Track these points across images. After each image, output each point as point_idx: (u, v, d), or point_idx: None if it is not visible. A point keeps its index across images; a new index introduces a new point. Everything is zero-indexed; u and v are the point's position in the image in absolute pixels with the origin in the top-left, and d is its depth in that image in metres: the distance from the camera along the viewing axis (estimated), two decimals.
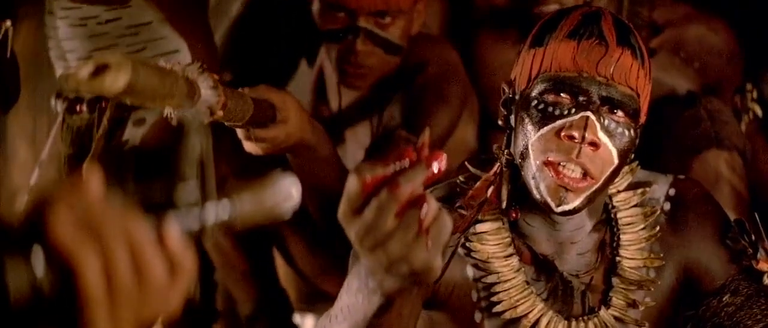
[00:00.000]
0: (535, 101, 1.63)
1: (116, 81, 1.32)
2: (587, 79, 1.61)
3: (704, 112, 2.55)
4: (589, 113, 1.60)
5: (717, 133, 2.53)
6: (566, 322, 1.72)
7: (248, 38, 2.82)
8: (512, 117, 1.69)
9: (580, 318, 1.73)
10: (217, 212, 0.91)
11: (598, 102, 1.61)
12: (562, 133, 1.60)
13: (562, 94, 1.62)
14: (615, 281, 1.74)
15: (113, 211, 0.82)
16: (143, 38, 2.19)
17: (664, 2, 2.66)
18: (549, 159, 1.60)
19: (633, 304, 1.73)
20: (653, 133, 1.79)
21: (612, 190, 1.76)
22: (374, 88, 2.51)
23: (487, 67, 2.67)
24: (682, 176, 1.83)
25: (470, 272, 1.72)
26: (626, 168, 1.75)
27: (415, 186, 1.09)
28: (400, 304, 1.30)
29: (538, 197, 1.62)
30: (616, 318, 1.73)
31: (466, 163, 1.77)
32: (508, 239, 1.72)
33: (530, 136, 1.62)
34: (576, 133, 1.59)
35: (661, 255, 1.75)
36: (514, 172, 1.69)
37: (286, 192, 0.95)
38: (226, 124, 1.82)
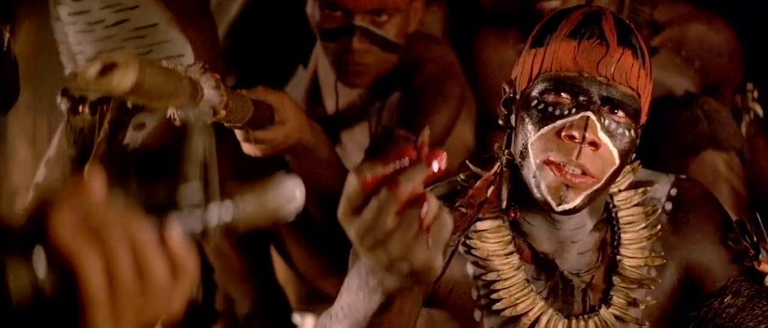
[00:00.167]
0: (536, 101, 1.63)
1: (124, 80, 1.32)
2: (588, 79, 1.61)
3: (701, 113, 2.55)
4: (589, 113, 1.60)
5: (714, 133, 2.53)
6: (566, 320, 1.72)
7: (246, 40, 2.82)
8: (513, 117, 1.69)
9: (581, 317, 1.73)
10: (220, 213, 0.90)
11: (599, 102, 1.61)
12: (563, 134, 1.59)
13: (562, 94, 1.61)
14: (616, 279, 1.74)
15: (115, 212, 0.82)
16: (149, 41, 2.20)
17: (665, 1, 2.65)
18: (550, 158, 1.60)
19: (634, 303, 1.73)
20: (651, 134, 1.79)
21: (613, 189, 1.75)
22: (372, 88, 2.51)
23: (487, 67, 2.67)
24: (683, 176, 1.83)
25: (470, 270, 1.72)
26: (628, 167, 1.75)
27: (415, 185, 1.10)
28: (400, 302, 1.31)
29: (538, 196, 1.62)
30: (616, 317, 1.73)
31: (467, 161, 1.77)
32: (509, 237, 1.72)
33: (530, 136, 1.62)
34: (576, 133, 1.59)
35: (662, 254, 1.75)
36: (515, 171, 1.69)
37: (290, 194, 0.95)
38: (225, 125, 1.82)
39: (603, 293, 1.75)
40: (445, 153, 1.11)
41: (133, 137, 2.08)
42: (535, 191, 1.62)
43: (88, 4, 2.21)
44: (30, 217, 0.79)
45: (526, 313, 1.71)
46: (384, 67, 2.47)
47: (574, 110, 1.60)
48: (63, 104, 2.08)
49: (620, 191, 1.77)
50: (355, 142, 2.56)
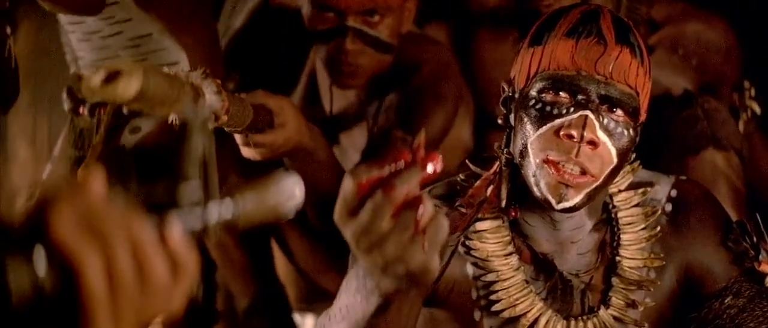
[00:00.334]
0: (534, 100, 1.63)
1: (128, 88, 1.33)
2: (586, 77, 1.60)
3: (701, 112, 2.56)
4: (587, 112, 1.59)
5: (714, 132, 2.54)
6: (565, 321, 1.72)
7: (252, 47, 2.82)
8: (512, 116, 1.68)
9: (579, 318, 1.73)
10: (220, 211, 0.90)
11: (597, 101, 1.60)
12: (561, 133, 1.59)
13: (560, 93, 1.61)
14: (615, 281, 1.74)
15: (115, 210, 0.81)
16: (144, 50, 2.22)
17: None
18: (549, 157, 1.60)
19: (632, 304, 1.73)
20: (650, 133, 1.79)
21: (613, 189, 1.75)
22: (368, 89, 2.51)
23: (485, 66, 2.67)
24: (684, 177, 1.83)
25: (470, 270, 1.72)
26: (628, 167, 1.75)
27: (410, 187, 1.10)
28: (398, 304, 1.30)
29: (538, 194, 1.62)
30: (615, 318, 1.73)
31: (466, 161, 1.77)
32: (508, 238, 1.72)
33: (529, 135, 1.62)
34: (575, 132, 1.58)
35: (662, 255, 1.75)
36: (514, 171, 1.69)
37: (290, 191, 0.95)
38: (225, 129, 1.83)
39: (602, 294, 1.75)
40: (440, 156, 1.12)
41: (128, 141, 2.10)
42: (535, 189, 1.62)
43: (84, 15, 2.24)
44: (30, 216, 0.79)
45: (525, 314, 1.71)
46: (377, 69, 2.47)
47: (572, 109, 1.60)
48: (66, 104, 2.10)
49: (620, 191, 1.76)
50: (353, 144, 2.57)
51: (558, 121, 1.60)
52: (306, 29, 2.49)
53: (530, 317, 1.71)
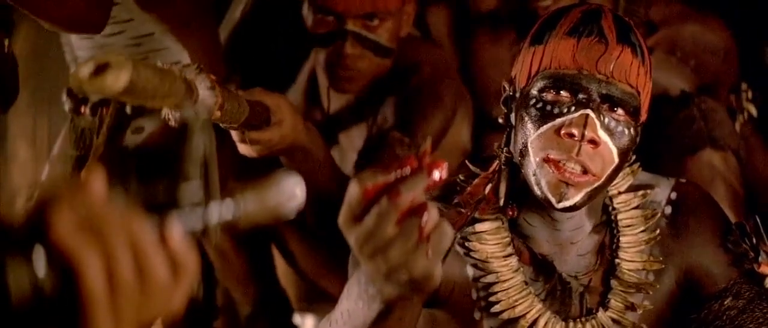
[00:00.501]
0: (535, 99, 1.62)
1: (117, 80, 1.31)
2: (587, 76, 1.60)
3: (698, 113, 2.56)
4: (588, 111, 1.59)
5: (711, 133, 2.54)
6: (564, 323, 1.72)
7: (249, 44, 2.82)
8: (512, 115, 1.68)
9: (578, 319, 1.72)
10: (221, 211, 0.90)
11: (598, 100, 1.60)
12: (562, 131, 1.59)
13: (561, 92, 1.61)
14: (614, 283, 1.74)
15: (116, 211, 0.81)
16: (146, 49, 2.22)
17: (659, 1, 2.66)
18: (549, 156, 1.60)
19: (631, 307, 1.73)
20: (648, 134, 1.79)
21: (613, 191, 1.75)
22: (367, 91, 2.51)
23: (483, 67, 2.67)
24: (683, 180, 1.82)
25: (470, 271, 1.72)
26: (628, 169, 1.75)
27: (415, 194, 1.09)
28: (399, 311, 1.30)
29: (538, 193, 1.62)
30: (613, 320, 1.73)
31: (466, 162, 1.77)
32: (508, 239, 1.72)
33: (530, 134, 1.62)
34: (575, 131, 1.58)
35: (661, 258, 1.75)
36: (514, 170, 1.68)
37: (290, 192, 0.95)
38: (221, 125, 1.82)
39: (601, 296, 1.74)
40: (446, 163, 1.12)
41: (131, 141, 2.09)
42: (535, 188, 1.62)
43: None
44: (30, 216, 0.79)
45: (524, 315, 1.71)
46: (376, 73, 2.48)
47: (573, 108, 1.60)
48: (67, 104, 2.09)
49: (620, 193, 1.76)
50: (352, 145, 2.57)
51: (559, 120, 1.60)
52: (303, 22, 2.50)
53: (529, 318, 1.71)
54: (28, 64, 2.29)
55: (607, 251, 1.75)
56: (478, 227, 1.71)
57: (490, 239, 1.72)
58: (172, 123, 1.66)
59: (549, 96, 1.61)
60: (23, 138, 2.51)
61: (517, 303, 1.71)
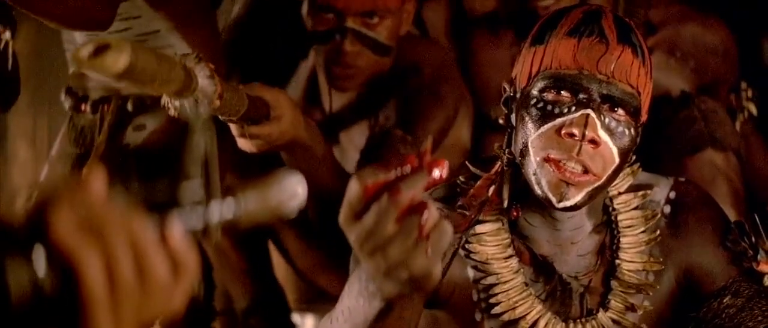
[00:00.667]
0: (535, 99, 1.62)
1: (117, 61, 1.31)
2: (587, 76, 1.60)
3: (698, 113, 2.56)
4: (589, 111, 1.59)
5: (711, 133, 2.54)
6: (564, 324, 1.72)
7: (247, 39, 2.82)
8: (513, 116, 1.68)
9: (578, 320, 1.72)
10: (222, 210, 0.90)
11: (599, 100, 1.60)
12: (563, 131, 1.59)
13: (562, 92, 1.61)
14: (614, 284, 1.74)
15: (116, 210, 0.81)
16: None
17: (659, 1, 2.66)
18: (550, 156, 1.60)
19: (631, 307, 1.73)
20: (649, 134, 1.79)
21: (613, 191, 1.75)
22: (369, 89, 2.51)
23: (482, 68, 2.67)
24: (682, 179, 1.82)
25: (470, 272, 1.72)
26: (628, 170, 1.75)
27: (416, 192, 1.09)
28: (399, 308, 1.31)
29: (539, 192, 1.62)
30: (613, 321, 1.73)
31: (467, 163, 1.76)
32: (508, 240, 1.72)
33: (530, 134, 1.62)
34: (576, 131, 1.58)
35: (661, 259, 1.75)
36: (515, 170, 1.68)
37: (292, 190, 0.95)
38: (220, 118, 1.82)
39: (601, 297, 1.74)
40: (446, 162, 1.12)
41: (132, 138, 2.09)
42: (535, 188, 1.62)
43: None
44: (30, 216, 0.78)
45: (524, 316, 1.71)
46: (375, 71, 2.47)
47: (573, 108, 1.60)
48: (66, 102, 2.09)
49: (620, 193, 1.76)
50: (353, 143, 2.57)
51: (559, 120, 1.60)
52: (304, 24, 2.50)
53: (530, 319, 1.71)
54: (28, 64, 2.29)
55: (607, 252, 1.75)
56: (479, 228, 1.71)
57: (491, 241, 1.72)
58: (172, 112, 1.65)
59: (550, 96, 1.61)
60: (23, 138, 2.51)
61: (517, 304, 1.71)
